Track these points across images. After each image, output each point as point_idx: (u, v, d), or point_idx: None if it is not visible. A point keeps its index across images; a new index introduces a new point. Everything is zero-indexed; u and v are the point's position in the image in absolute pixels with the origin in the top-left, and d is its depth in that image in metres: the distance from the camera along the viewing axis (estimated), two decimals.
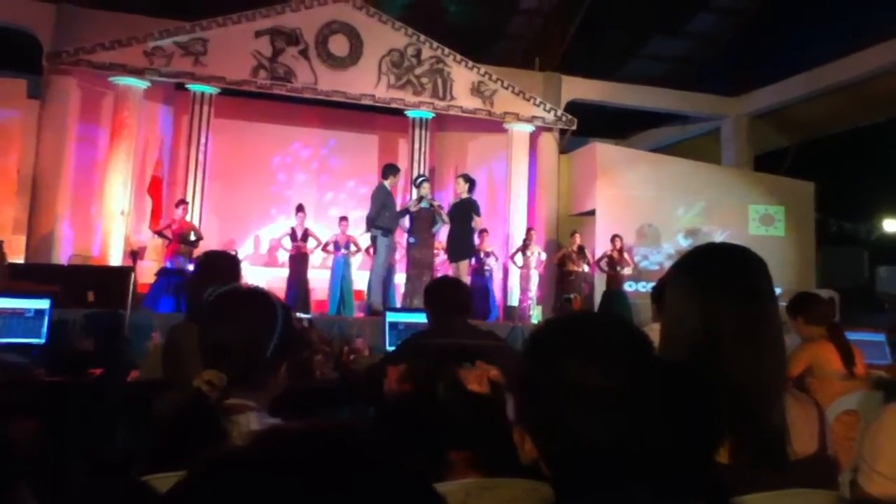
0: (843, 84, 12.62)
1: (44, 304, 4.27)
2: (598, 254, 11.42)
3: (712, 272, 1.46)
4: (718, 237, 12.01)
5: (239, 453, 0.59)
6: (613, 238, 11.13)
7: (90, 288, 7.00)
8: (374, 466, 0.59)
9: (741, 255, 1.50)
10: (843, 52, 12.34)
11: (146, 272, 10.29)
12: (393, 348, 4.14)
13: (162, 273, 9.99)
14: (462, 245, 9.65)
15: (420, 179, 9.79)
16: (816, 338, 3.87)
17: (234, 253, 7.95)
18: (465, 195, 9.68)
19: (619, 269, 10.99)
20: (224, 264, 3.19)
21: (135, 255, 7.87)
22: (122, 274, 7.67)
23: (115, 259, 10.59)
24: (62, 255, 10.93)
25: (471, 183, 9.74)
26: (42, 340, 4.18)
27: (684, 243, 12.26)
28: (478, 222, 9.78)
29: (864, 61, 12.12)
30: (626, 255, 11.11)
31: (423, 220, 9.39)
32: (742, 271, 1.46)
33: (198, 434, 1.59)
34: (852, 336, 4.33)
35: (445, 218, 9.52)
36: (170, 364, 2.86)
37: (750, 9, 13.80)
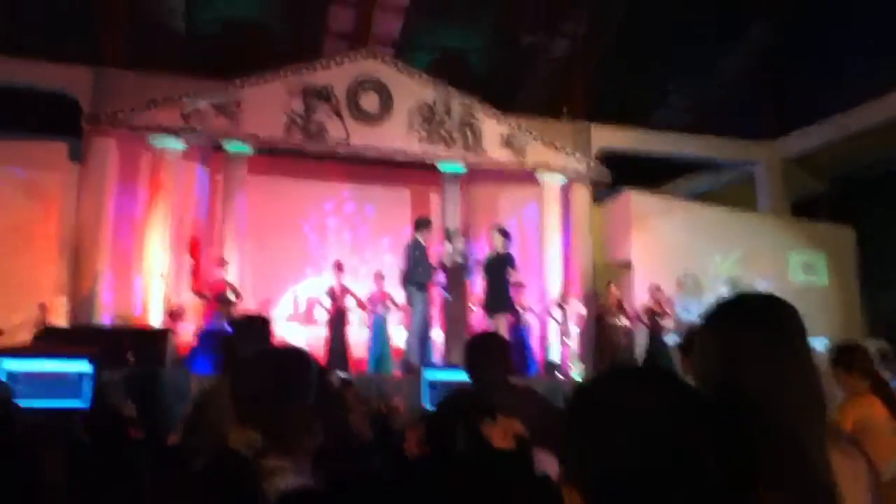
0: (877, 126, 12.47)
1: (86, 366, 4.32)
2: (637, 304, 11.27)
3: (738, 324, 1.43)
4: (759, 286, 11.80)
5: None
6: (654, 289, 10.97)
7: (130, 349, 7.07)
8: None
9: (769, 304, 1.47)
10: (875, 93, 12.23)
11: (187, 333, 10.38)
12: (430, 406, 4.10)
13: (202, 334, 10.07)
14: (499, 299, 9.59)
15: (453, 233, 9.81)
16: (861, 391, 3.74)
17: (265, 314, 7.97)
18: (500, 249, 9.67)
19: (659, 320, 10.80)
20: (256, 325, 3.28)
21: (174, 315, 7.96)
22: (162, 335, 7.75)
23: (156, 320, 10.68)
24: (103, 315, 11.08)
25: (506, 236, 9.73)
26: (85, 405, 4.21)
27: (724, 293, 12.06)
28: (514, 276, 9.74)
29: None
30: (666, 307, 10.92)
31: (458, 275, 9.38)
32: (770, 321, 1.43)
33: (234, 495, 1.58)
34: None
35: (473, 267, 9.52)
36: (201, 422, 2.86)
37: (780, 49, 13.78)
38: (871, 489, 1.39)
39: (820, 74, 13.07)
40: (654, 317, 10.82)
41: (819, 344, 6.54)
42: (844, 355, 3.89)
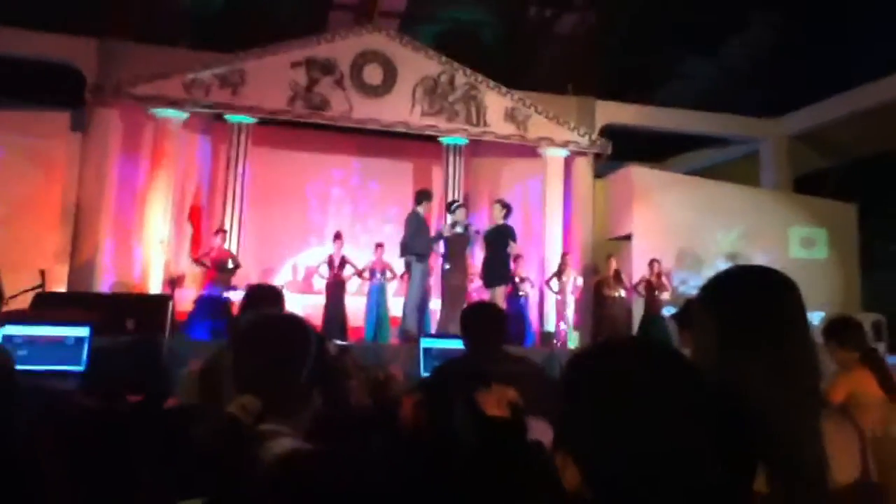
0: (882, 104, 12.43)
1: (83, 331, 4.35)
2: (636, 278, 11.31)
3: (735, 298, 1.43)
4: (759, 261, 11.82)
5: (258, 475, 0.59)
6: (651, 262, 11.02)
7: (130, 316, 7.11)
8: (376, 496, 0.59)
9: (767, 277, 1.47)
10: (882, 71, 12.18)
11: (186, 300, 10.44)
12: (427, 374, 4.13)
13: (200, 301, 10.13)
14: (498, 271, 9.64)
15: (455, 205, 9.80)
16: (852, 364, 3.77)
17: (277, 285, 8.00)
18: (501, 221, 9.69)
19: (657, 293, 10.86)
20: (269, 296, 3.31)
21: (174, 282, 8.00)
22: (161, 302, 7.80)
23: (155, 287, 10.76)
24: (104, 283, 11.15)
25: (507, 209, 9.74)
26: (82, 367, 4.25)
27: (724, 268, 12.07)
28: (514, 248, 9.77)
29: None
30: (664, 280, 10.99)
31: (458, 246, 9.40)
32: (766, 296, 1.43)
33: (230, 460, 1.59)
34: None
35: (473, 237, 9.55)
36: (207, 389, 2.89)
37: (786, 28, 13.67)
38: (863, 459, 1.41)
39: (825, 53, 12.97)
40: (651, 290, 10.87)
41: (815, 317, 6.57)
42: (837, 329, 3.91)
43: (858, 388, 3.68)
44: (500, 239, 9.54)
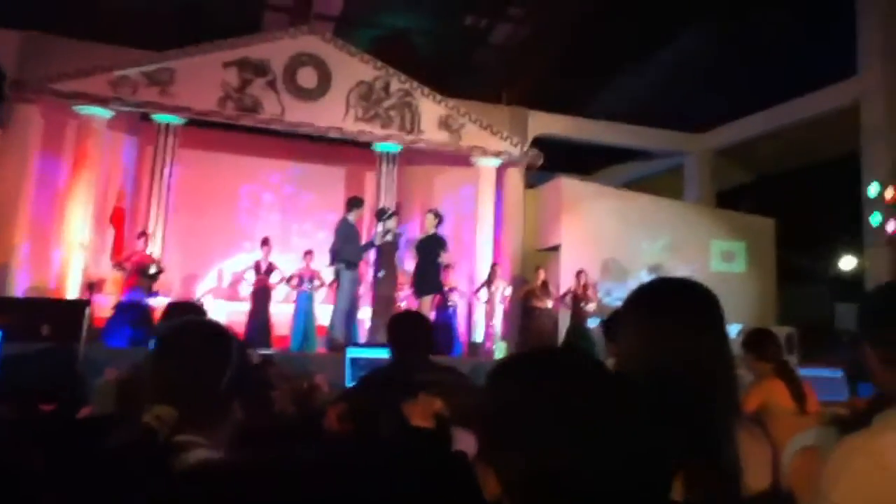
0: (796, 123, 13.00)
1: None
2: (563, 289, 11.47)
3: (659, 307, 1.46)
4: (681, 273, 12.13)
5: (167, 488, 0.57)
6: (578, 274, 11.19)
7: (45, 321, 6.84)
8: None
9: (690, 289, 1.50)
10: (798, 91, 12.73)
11: (105, 306, 10.10)
12: (353, 384, 4.09)
13: (119, 307, 9.81)
14: (429, 280, 9.64)
15: (388, 213, 9.77)
16: (767, 375, 3.91)
17: (200, 304, 7.81)
18: (432, 230, 9.70)
19: (583, 305, 11.03)
20: (189, 314, 3.21)
21: (92, 287, 7.75)
22: (78, 307, 7.54)
23: (73, 292, 10.39)
24: (18, 286, 10.70)
25: (439, 219, 9.77)
26: None
27: (648, 279, 12.32)
28: (445, 258, 9.79)
29: (815, 102, 12.55)
30: (590, 292, 11.17)
31: (390, 254, 9.37)
32: (690, 306, 1.46)
33: (144, 471, 1.54)
34: (811, 372, 4.37)
35: (402, 246, 9.56)
36: (125, 399, 2.79)
37: (708, 49, 14.14)
38: (773, 467, 1.45)
39: (747, 73, 13.46)
40: (577, 301, 11.04)
41: (733, 330, 6.78)
42: (756, 341, 4.05)
43: (771, 398, 3.81)
44: (431, 248, 9.56)
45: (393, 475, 1.58)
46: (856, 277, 12.69)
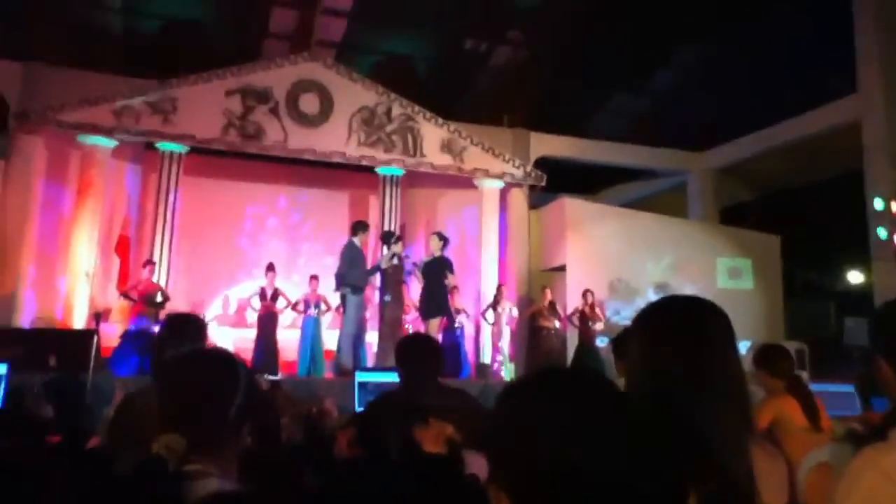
0: (798, 140, 13.03)
1: (0, 368, 4.15)
2: (570, 309, 11.44)
3: (668, 325, 1.45)
4: (688, 291, 12.08)
5: None
6: (585, 293, 11.17)
7: (52, 351, 6.84)
8: None
9: (699, 307, 1.49)
10: (796, 110, 12.79)
11: (112, 335, 10.09)
12: (362, 409, 4.07)
13: (126, 335, 9.81)
14: (435, 303, 9.60)
15: (394, 237, 9.76)
16: (778, 391, 3.87)
17: (201, 315, 7.83)
18: (438, 253, 9.67)
19: (590, 324, 11.00)
20: (190, 326, 3.16)
21: (98, 317, 7.74)
22: (85, 337, 7.53)
23: (80, 321, 10.37)
24: (24, 317, 10.70)
25: (445, 241, 9.74)
26: None
27: (655, 298, 12.28)
28: (452, 280, 9.76)
29: (816, 120, 12.59)
30: (597, 311, 11.14)
31: (396, 278, 9.35)
32: (699, 323, 1.45)
33: (155, 501, 1.53)
34: (822, 388, 4.33)
35: (419, 276, 9.51)
36: (126, 427, 2.77)
37: (707, 67, 14.22)
38: (788, 485, 1.43)
39: (748, 91, 13.53)
40: (585, 320, 11.01)
41: (743, 346, 6.75)
42: (767, 357, 4.01)
43: (783, 414, 3.76)
44: (438, 271, 9.53)
45: (406, 502, 1.57)
46: (863, 292, 12.65)
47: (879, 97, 11.34)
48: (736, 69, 13.56)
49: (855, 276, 13.88)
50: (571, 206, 13.12)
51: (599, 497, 0.93)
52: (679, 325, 1.45)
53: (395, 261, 9.30)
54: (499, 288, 11.72)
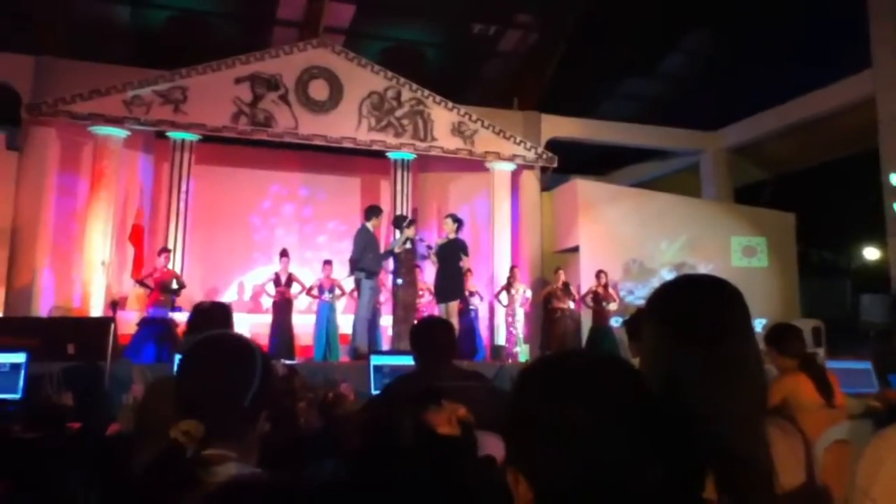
0: (811, 119, 12.90)
1: (20, 358, 4.20)
2: (584, 290, 11.42)
3: (683, 305, 1.44)
4: (703, 270, 12.05)
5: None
6: (598, 274, 11.14)
7: (70, 340, 6.89)
8: None
9: (714, 285, 1.48)
10: (809, 88, 12.65)
11: (128, 322, 10.18)
12: (378, 392, 4.09)
13: (143, 323, 9.89)
14: (451, 286, 9.58)
15: (407, 221, 9.75)
16: (790, 369, 3.85)
17: (227, 303, 7.86)
18: (452, 235, 9.65)
19: (604, 304, 10.98)
20: (217, 314, 3.19)
21: (115, 305, 7.78)
22: (103, 325, 7.57)
23: (97, 310, 10.46)
24: (42, 306, 10.81)
25: (459, 223, 9.69)
26: (18, 395, 4.10)
27: (669, 278, 12.24)
28: (466, 262, 9.74)
29: (829, 97, 12.45)
30: (611, 291, 11.12)
31: (409, 262, 9.36)
32: (714, 302, 1.44)
33: (174, 486, 1.54)
34: (838, 365, 4.31)
35: (434, 258, 9.51)
36: (150, 414, 2.80)
37: (718, 47, 14.07)
38: (808, 463, 1.42)
39: (760, 69, 13.38)
40: (599, 301, 10.99)
41: (758, 324, 6.72)
42: (779, 336, 3.99)
43: (794, 392, 3.75)
44: (452, 253, 9.50)
45: (421, 487, 1.57)
46: (879, 269, 12.56)
47: (894, 72, 11.20)
48: (748, 47, 13.41)
49: (870, 253, 13.76)
50: (584, 188, 13.08)
51: (621, 487, 0.93)
52: (695, 305, 1.43)
53: (408, 245, 9.29)
54: (512, 270, 11.71)
